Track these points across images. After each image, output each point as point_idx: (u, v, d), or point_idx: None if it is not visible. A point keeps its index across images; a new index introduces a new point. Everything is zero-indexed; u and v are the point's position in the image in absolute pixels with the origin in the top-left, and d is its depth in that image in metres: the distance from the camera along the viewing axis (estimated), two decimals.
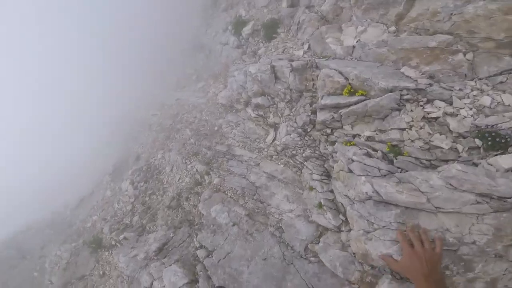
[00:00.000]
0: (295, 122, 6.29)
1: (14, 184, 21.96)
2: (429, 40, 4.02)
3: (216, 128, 9.22)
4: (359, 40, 4.93)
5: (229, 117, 8.49)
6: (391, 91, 4.04)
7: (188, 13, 15.45)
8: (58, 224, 13.26)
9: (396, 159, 3.99)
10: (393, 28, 4.63)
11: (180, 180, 8.85)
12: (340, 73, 4.68)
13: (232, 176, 7.95)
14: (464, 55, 3.83)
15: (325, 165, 5.70)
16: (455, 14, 3.88)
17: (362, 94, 4.36)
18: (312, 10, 6.52)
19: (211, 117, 9.82)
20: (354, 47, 4.98)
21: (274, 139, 7.19)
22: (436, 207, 3.44)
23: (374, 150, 4.35)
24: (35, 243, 12.69)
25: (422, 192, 3.49)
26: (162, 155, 10.34)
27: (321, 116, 4.95)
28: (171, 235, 8.28)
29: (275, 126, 7.13)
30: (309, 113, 5.74)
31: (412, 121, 3.89)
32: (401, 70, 4.23)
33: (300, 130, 6.09)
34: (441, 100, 3.78)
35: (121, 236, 8.73)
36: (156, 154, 10.70)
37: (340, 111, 4.67)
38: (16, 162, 24.88)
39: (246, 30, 8.39)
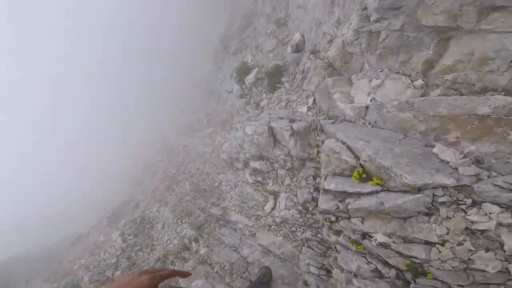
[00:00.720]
0: (296, 195, 4.97)
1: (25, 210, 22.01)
2: (479, 104, 2.63)
3: (216, 184, 8.14)
4: (373, 98, 3.67)
5: (229, 175, 7.37)
6: (419, 189, 2.69)
7: (203, 56, 15.44)
8: (51, 258, 12.59)
9: (415, 282, 2.82)
10: (420, 82, 3.31)
11: (168, 242, 7.69)
12: (349, 148, 3.42)
13: (222, 247, 6.65)
14: None
15: (325, 261, 4.45)
16: None
17: (377, 184, 3.02)
18: (318, 56, 5.45)
19: (213, 171, 8.80)
20: (367, 107, 3.72)
21: (273, 208, 5.88)
22: None
23: (387, 264, 3.06)
24: (24, 274, 12.02)
25: None
26: (157, 209, 9.36)
27: (323, 203, 3.61)
28: None
29: (275, 194, 5.85)
30: (312, 189, 4.46)
31: (448, 233, 2.62)
32: (434, 150, 2.89)
33: (300, 207, 4.77)
34: (494, 204, 2.45)
35: None
36: (153, 206, 9.77)
37: (347, 201, 3.31)
38: (28, 189, 25.32)
39: (249, 78, 7.53)
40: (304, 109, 5.06)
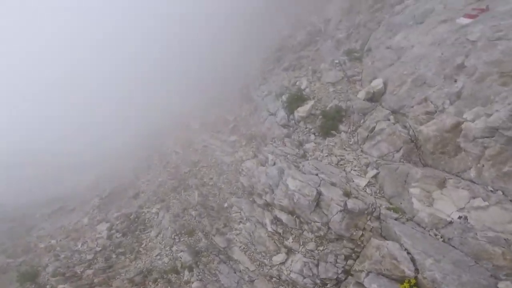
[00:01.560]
0: (317, 266, 4.27)
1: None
2: None
3: (225, 206, 7.42)
4: (465, 217, 2.92)
5: (243, 204, 6.65)
6: None
7: (248, 58, 14.72)
8: (22, 223, 11.04)
9: None
10: None
11: (158, 257, 6.98)
12: (412, 260, 2.88)
13: (216, 286, 5.88)
14: None
15: None
16: None
17: None
18: (401, 120, 4.51)
19: (226, 187, 8.10)
20: (451, 222, 2.97)
21: (283, 263, 5.14)
22: None
23: None
24: None
25: None
26: (157, 210, 8.64)
27: None
28: None
29: (290, 250, 5.12)
30: (340, 270, 3.76)
31: None
32: (499, 285, 2.50)
33: (318, 281, 4.10)
34: None
35: (61, 286, 6.83)
36: (153, 206, 9.03)
37: None
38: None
39: (302, 111, 6.64)
40: (362, 182, 4.30)
